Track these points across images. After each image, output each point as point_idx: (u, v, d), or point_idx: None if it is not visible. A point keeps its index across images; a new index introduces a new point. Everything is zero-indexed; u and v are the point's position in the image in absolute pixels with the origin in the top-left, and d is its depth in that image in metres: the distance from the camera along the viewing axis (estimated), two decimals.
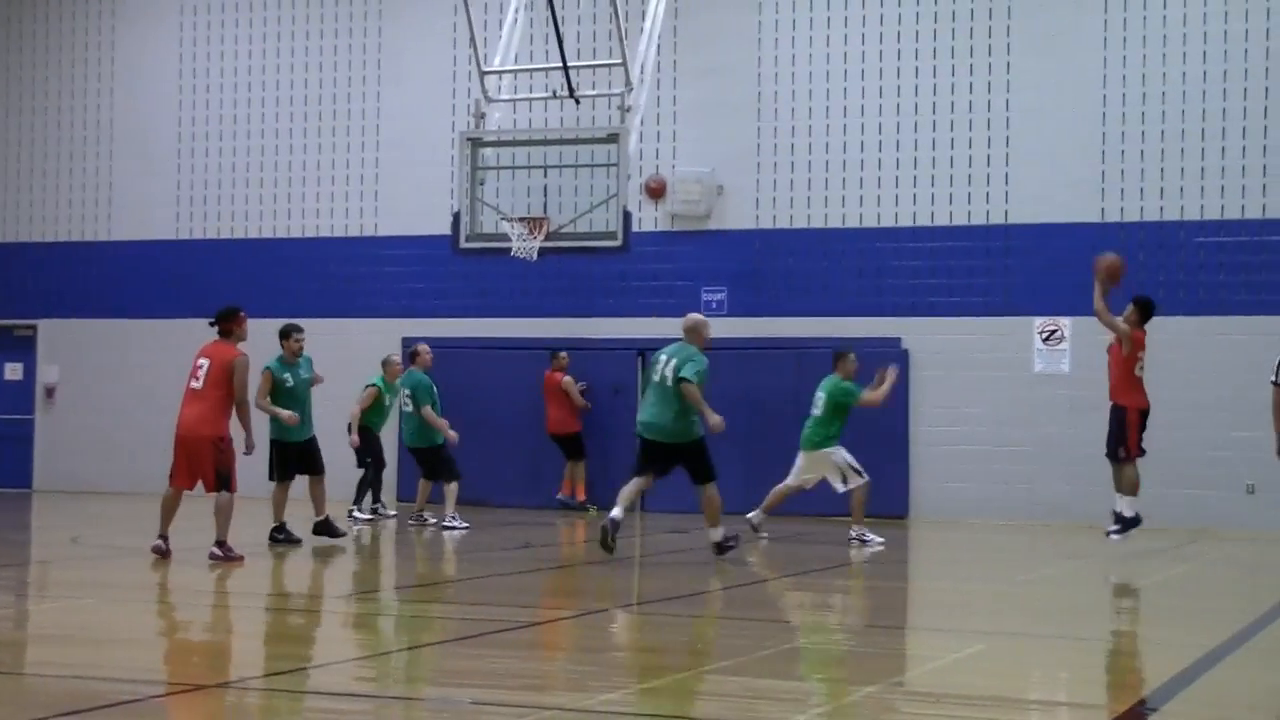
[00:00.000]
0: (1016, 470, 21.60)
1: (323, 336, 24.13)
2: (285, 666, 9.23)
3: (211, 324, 14.97)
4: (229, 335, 14.88)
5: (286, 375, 16.45)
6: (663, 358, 15.52)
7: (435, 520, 19.10)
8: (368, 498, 20.32)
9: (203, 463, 14.49)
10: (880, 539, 17.30)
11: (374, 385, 20.12)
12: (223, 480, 14.53)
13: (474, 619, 11.42)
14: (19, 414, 25.83)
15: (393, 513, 20.76)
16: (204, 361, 14.65)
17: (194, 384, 14.57)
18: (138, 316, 25.09)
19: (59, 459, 25.61)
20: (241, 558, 14.44)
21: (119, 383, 25.27)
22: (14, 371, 26.20)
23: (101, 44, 25.98)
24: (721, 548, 15.35)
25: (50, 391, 25.84)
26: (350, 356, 22.46)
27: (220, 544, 14.50)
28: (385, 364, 20.33)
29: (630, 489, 15.50)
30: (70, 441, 25.40)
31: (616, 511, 15.18)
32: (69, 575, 14.18)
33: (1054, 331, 21.64)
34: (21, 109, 26.35)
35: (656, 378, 15.43)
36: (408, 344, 23.73)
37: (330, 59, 24.77)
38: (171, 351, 24.95)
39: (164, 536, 14.50)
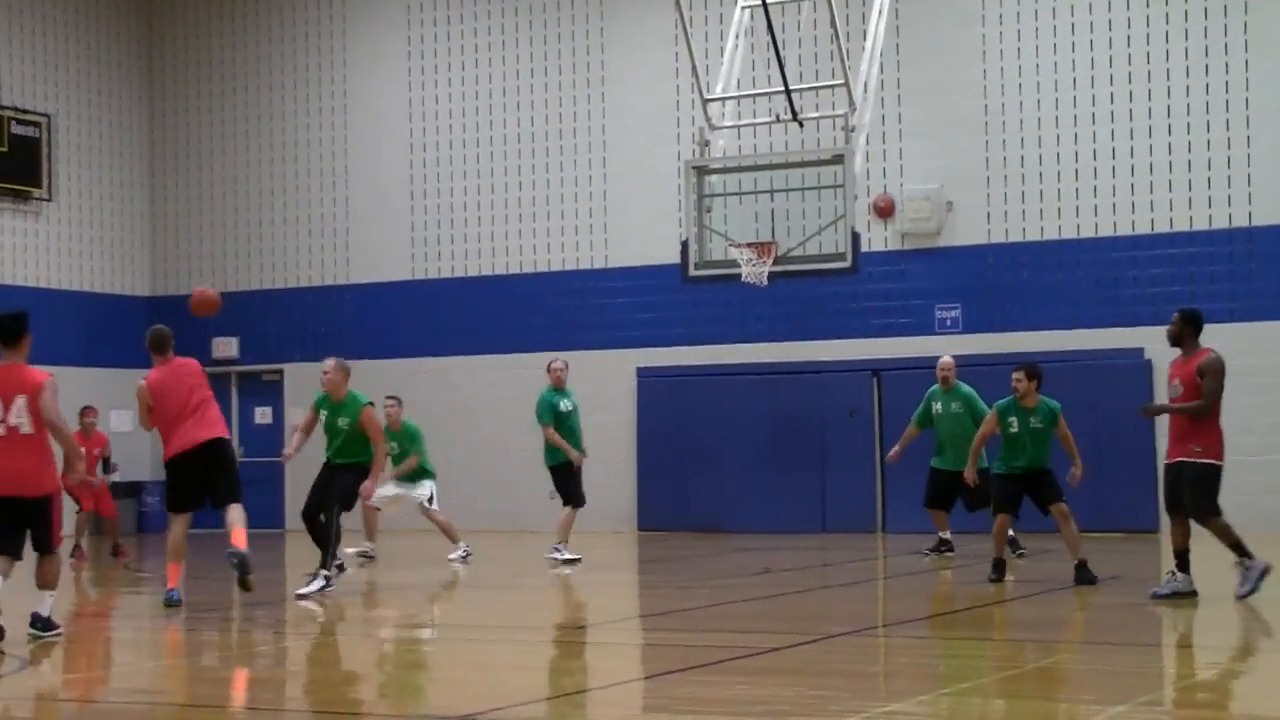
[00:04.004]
0: (1270, 480, 20.90)
1: None
2: (525, 698, 9.29)
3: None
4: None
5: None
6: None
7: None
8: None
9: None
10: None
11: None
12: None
13: (714, 646, 11.38)
14: (269, 457, 26.52)
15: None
16: None
17: None
18: (377, 357, 25.63)
19: None
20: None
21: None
22: (263, 415, 26.98)
23: (335, 93, 26.67)
24: None
25: None
26: (583, 390, 22.57)
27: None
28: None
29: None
30: None
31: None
32: (322, 611, 14.47)
33: None
34: (261, 160, 27.16)
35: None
36: (642, 374, 23.98)
37: (555, 95, 25.09)
38: (413, 389, 25.47)
39: None
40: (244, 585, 13.47)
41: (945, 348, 21.79)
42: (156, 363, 13.70)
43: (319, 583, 14.78)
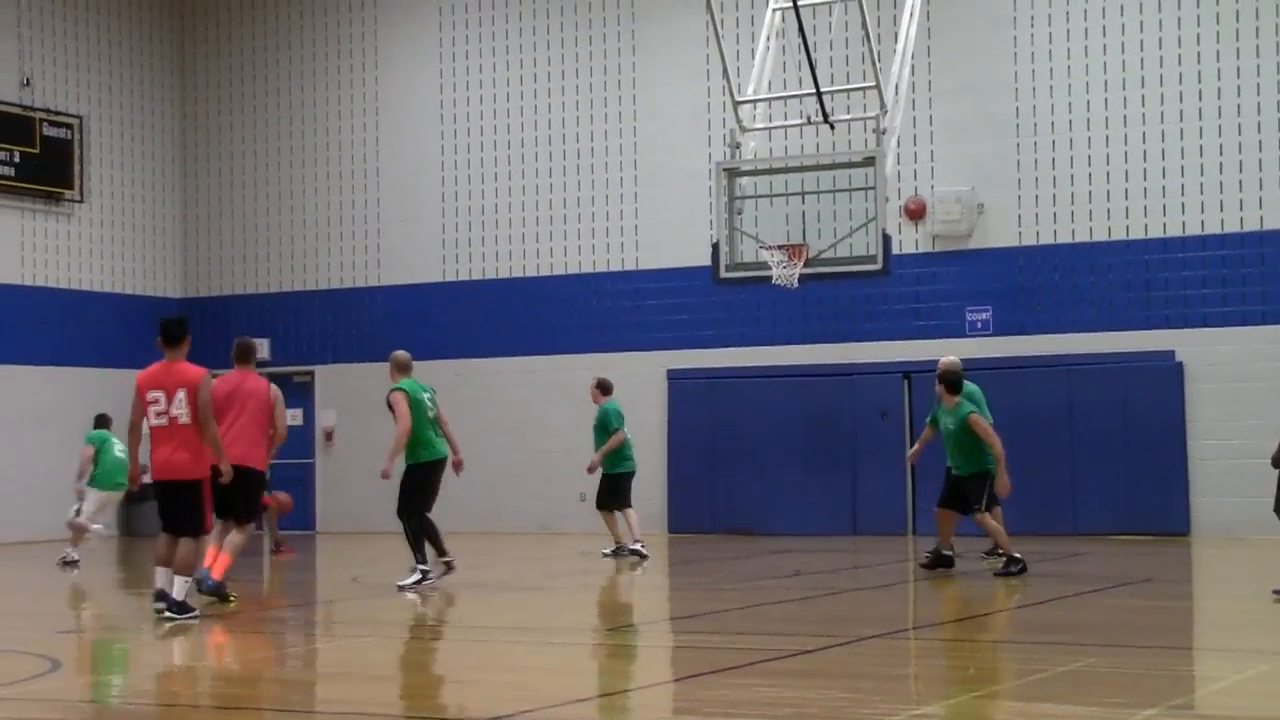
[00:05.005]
0: None
1: (587, 373, 24.47)
2: (555, 700, 9.31)
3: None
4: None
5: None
6: None
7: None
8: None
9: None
10: None
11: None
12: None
13: (744, 648, 11.39)
14: (301, 458, 26.62)
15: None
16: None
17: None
18: None
19: (339, 500, 26.30)
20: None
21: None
22: (294, 417, 26.92)
23: (366, 95, 26.73)
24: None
25: (329, 435, 26.58)
26: (615, 393, 22.59)
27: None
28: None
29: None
30: (350, 483, 26.05)
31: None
32: (352, 613, 14.54)
33: None
34: (292, 162, 27.24)
35: None
36: (672, 376, 23.98)
37: (586, 97, 25.10)
38: (443, 391, 25.49)
39: None
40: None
41: (976, 350, 21.77)
42: (235, 369, 14.40)
43: (414, 576, 15.39)
